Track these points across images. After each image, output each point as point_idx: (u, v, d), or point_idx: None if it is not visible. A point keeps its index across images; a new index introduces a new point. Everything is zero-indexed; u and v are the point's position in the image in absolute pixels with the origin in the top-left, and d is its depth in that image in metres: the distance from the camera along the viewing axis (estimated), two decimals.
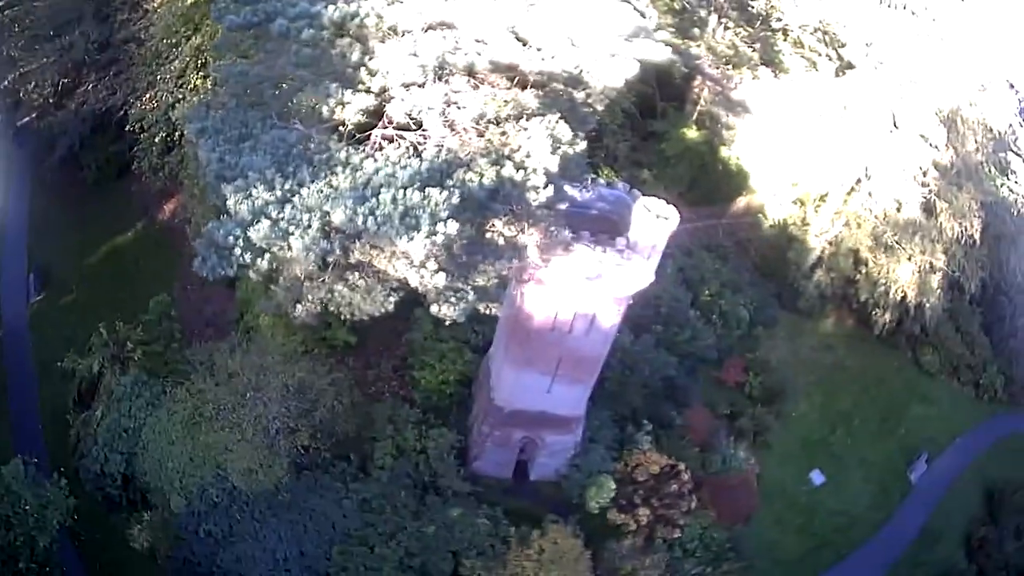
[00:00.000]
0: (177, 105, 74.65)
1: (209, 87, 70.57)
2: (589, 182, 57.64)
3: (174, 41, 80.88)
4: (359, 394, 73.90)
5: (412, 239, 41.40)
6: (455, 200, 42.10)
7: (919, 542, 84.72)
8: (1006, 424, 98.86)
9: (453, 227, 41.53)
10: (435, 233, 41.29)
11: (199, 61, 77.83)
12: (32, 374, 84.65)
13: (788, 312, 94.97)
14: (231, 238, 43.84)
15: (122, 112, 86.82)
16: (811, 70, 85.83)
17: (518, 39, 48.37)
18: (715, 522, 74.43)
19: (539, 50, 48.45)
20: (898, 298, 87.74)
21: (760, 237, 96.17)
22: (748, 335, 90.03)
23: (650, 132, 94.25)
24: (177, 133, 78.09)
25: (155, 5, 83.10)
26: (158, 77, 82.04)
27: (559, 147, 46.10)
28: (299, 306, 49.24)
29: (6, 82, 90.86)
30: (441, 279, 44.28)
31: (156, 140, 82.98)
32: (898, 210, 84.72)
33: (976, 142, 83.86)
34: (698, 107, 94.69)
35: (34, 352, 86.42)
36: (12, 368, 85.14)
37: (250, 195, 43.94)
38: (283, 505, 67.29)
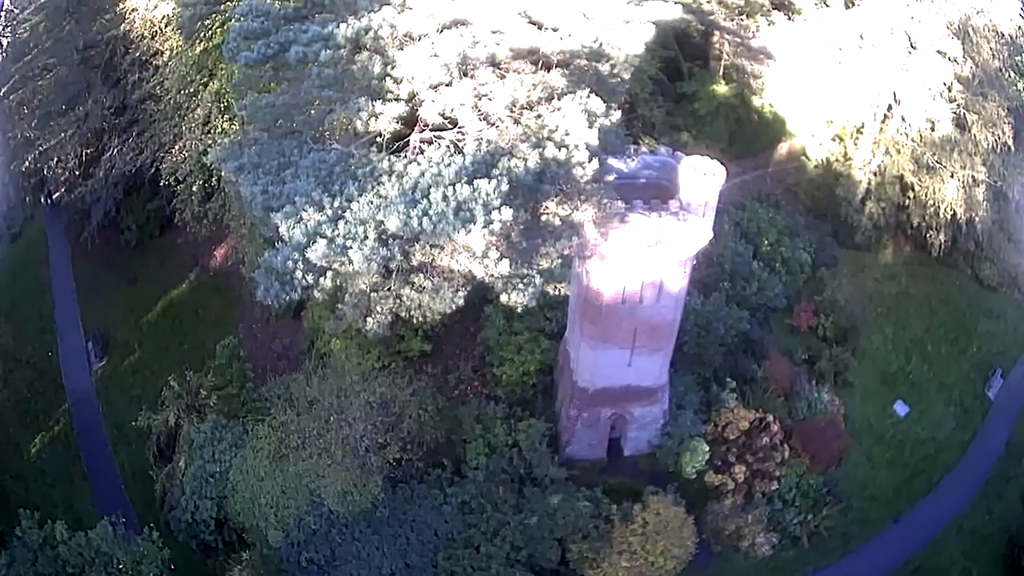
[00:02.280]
0: (208, 151, 74.88)
1: (237, 127, 70.69)
2: (632, 151, 57.81)
3: (192, 90, 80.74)
4: (443, 399, 74.07)
5: (470, 231, 41.41)
6: (504, 187, 42.25)
7: (1006, 457, 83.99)
8: None
9: (508, 213, 41.66)
10: (491, 222, 41.38)
11: (221, 105, 77.82)
12: (105, 438, 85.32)
13: (846, 249, 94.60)
14: (289, 263, 44.02)
15: (153, 169, 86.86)
16: (821, 6, 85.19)
17: (532, 22, 48.42)
18: (809, 468, 74.49)
19: (555, 30, 48.47)
20: (948, 216, 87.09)
21: (807, 179, 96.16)
22: (812, 278, 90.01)
23: (681, 94, 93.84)
24: (214, 178, 78.27)
25: (164, 60, 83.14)
26: (183, 128, 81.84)
27: (595, 120, 46.32)
28: (369, 319, 48.98)
29: (26, 163, 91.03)
30: (505, 266, 44.06)
31: (194, 189, 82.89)
32: (932, 129, 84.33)
33: (991, 49, 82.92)
34: (722, 62, 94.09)
35: (104, 416, 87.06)
36: (84, 435, 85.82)
37: (301, 219, 44.23)
38: (382, 521, 67.39)
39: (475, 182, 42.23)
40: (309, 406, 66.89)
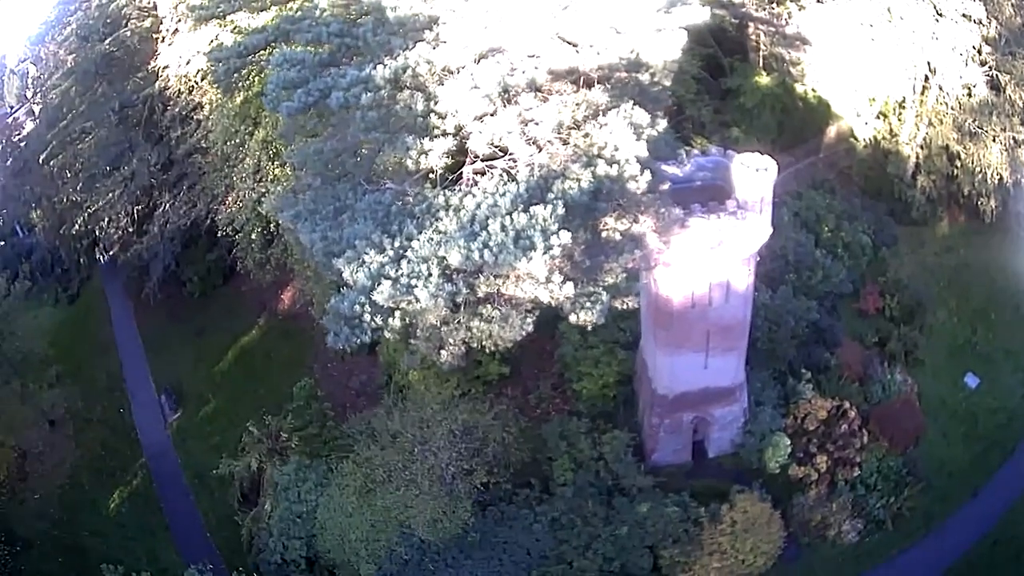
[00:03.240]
0: (263, 199, 75.57)
1: (289, 173, 71.16)
2: (684, 156, 58.28)
3: (238, 141, 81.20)
4: (525, 420, 74.93)
5: (531, 259, 41.73)
6: (560, 211, 42.57)
7: None
8: None
9: (567, 236, 41.97)
10: (551, 247, 41.69)
11: (270, 152, 78.32)
12: (186, 488, 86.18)
13: (904, 226, 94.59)
14: (357, 307, 44.55)
15: (208, 220, 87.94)
16: None
17: (567, 43, 48.64)
18: (888, 451, 74.38)
19: (590, 47, 48.66)
20: (996, 181, 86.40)
21: (858, 161, 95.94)
22: (875, 259, 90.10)
23: (726, 90, 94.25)
24: (272, 225, 78.80)
25: (205, 113, 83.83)
26: (234, 178, 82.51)
27: (642, 132, 46.37)
28: (443, 352, 49.55)
29: (76, 226, 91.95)
30: (570, 288, 44.59)
31: (253, 237, 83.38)
32: (969, 95, 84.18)
33: (1012, 7, 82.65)
34: (760, 53, 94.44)
35: (184, 467, 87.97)
36: (165, 488, 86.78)
37: (363, 262, 44.68)
38: (474, 545, 67.81)
39: (531, 209, 42.63)
40: (392, 439, 67.69)
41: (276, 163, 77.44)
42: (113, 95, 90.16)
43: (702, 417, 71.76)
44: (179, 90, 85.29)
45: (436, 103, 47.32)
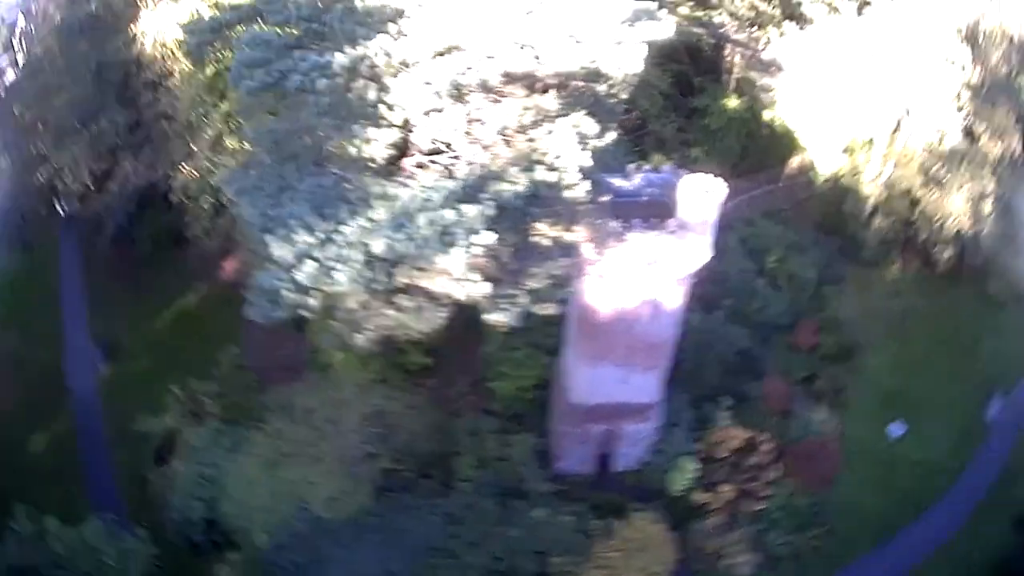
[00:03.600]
0: (217, 171, 75.45)
1: (247, 148, 71.36)
2: (634, 170, 58.25)
3: (203, 111, 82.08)
4: (438, 413, 75.07)
5: (451, 255, 42.34)
6: (490, 211, 42.96)
7: (1002, 481, 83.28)
8: None
9: (490, 237, 42.45)
10: (471, 246, 42.10)
11: (231, 125, 79.01)
12: (105, 441, 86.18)
13: (854, 265, 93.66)
14: (278, 283, 45.21)
15: (166, 185, 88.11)
16: (833, 14, 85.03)
17: (524, 47, 48.40)
18: (799, 489, 74.78)
19: (548, 54, 48.45)
20: (954, 230, 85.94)
21: (816, 195, 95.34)
22: (817, 295, 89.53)
23: (693, 109, 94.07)
24: (223, 196, 78.55)
25: (175, 82, 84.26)
26: (194, 147, 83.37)
27: (588, 142, 46.74)
28: (359, 336, 50.00)
29: (40, 178, 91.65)
30: (485, 288, 44.93)
31: (204, 206, 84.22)
32: (941, 141, 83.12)
33: (1000, 54, 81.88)
34: (733, 75, 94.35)
35: (106, 419, 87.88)
36: (85, 438, 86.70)
37: (293, 241, 45.07)
38: (368, 528, 68.39)
39: (461, 206, 42.84)
40: (305, 416, 68.10)
41: (235, 138, 78.00)
42: (93, 54, 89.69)
43: (612, 431, 71.76)
44: (154, 56, 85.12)
45: (388, 95, 47.56)
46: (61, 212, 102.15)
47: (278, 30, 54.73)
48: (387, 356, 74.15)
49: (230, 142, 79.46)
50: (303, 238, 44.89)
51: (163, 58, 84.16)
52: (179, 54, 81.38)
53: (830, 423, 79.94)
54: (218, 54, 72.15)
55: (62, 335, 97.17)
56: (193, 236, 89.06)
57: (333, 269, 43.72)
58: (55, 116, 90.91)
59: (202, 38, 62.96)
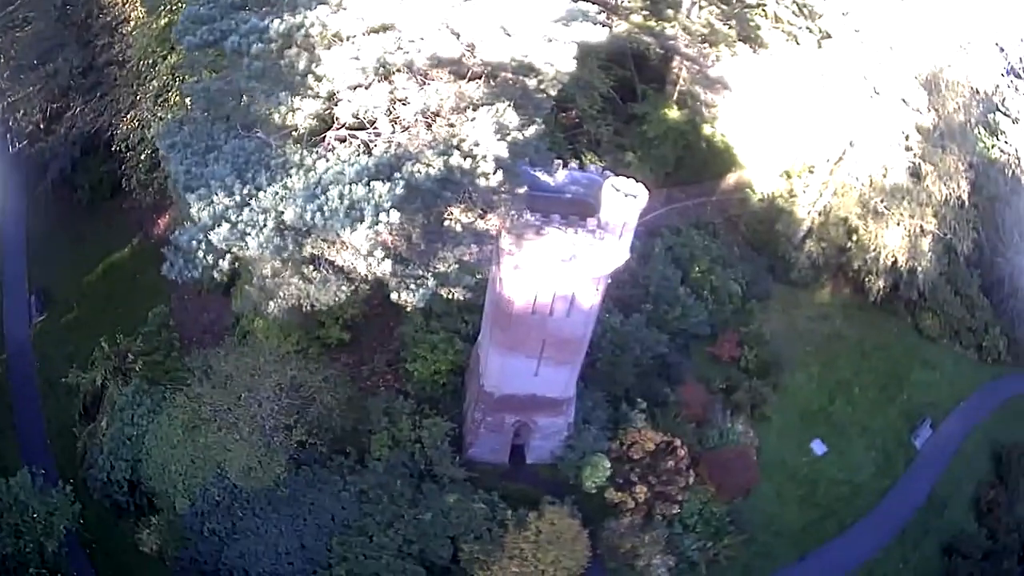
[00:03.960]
0: (156, 123, 75.91)
1: (187, 104, 71.90)
2: (559, 166, 58.46)
3: (151, 62, 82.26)
4: (354, 389, 75.55)
5: (355, 230, 42.64)
6: (399, 191, 43.18)
7: (927, 508, 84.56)
8: (1011, 386, 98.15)
9: (395, 216, 42.57)
10: (378, 223, 42.44)
11: (177, 79, 78.59)
12: (37, 392, 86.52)
13: (782, 285, 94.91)
14: (194, 242, 45.44)
15: (109, 133, 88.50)
16: (791, 42, 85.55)
17: (453, 33, 49.27)
18: (714, 497, 75.33)
19: (475, 43, 49.33)
20: (889, 263, 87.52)
21: (750, 212, 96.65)
22: (741, 309, 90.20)
23: (632, 115, 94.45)
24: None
25: (130, 28, 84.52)
26: (138, 97, 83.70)
27: (507, 133, 47.10)
28: (272, 303, 50.84)
29: None
30: (388, 266, 45.55)
31: (142, 158, 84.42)
32: (884, 176, 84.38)
33: (957, 103, 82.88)
34: (677, 87, 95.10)
35: (39, 371, 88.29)
36: (18, 387, 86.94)
37: (211, 202, 45.57)
38: (283, 500, 68.85)
39: (372, 183, 43.33)
40: (225, 381, 68.40)
41: (179, 92, 77.58)
42: None
43: (525, 422, 72.55)
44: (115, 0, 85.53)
45: (317, 66, 47.90)
46: (11, 149, 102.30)
47: None
48: (307, 328, 75.11)
49: (172, 96, 79.80)
50: (222, 199, 45.40)
51: (122, 2, 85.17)
52: (137, 0, 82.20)
53: (748, 435, 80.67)
54: (172, 5, 72.99)
55: (2, 280, 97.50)
56: (131, 188, 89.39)
57: (245, 233, 44.19)
58: (17, 50, 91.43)
59: None
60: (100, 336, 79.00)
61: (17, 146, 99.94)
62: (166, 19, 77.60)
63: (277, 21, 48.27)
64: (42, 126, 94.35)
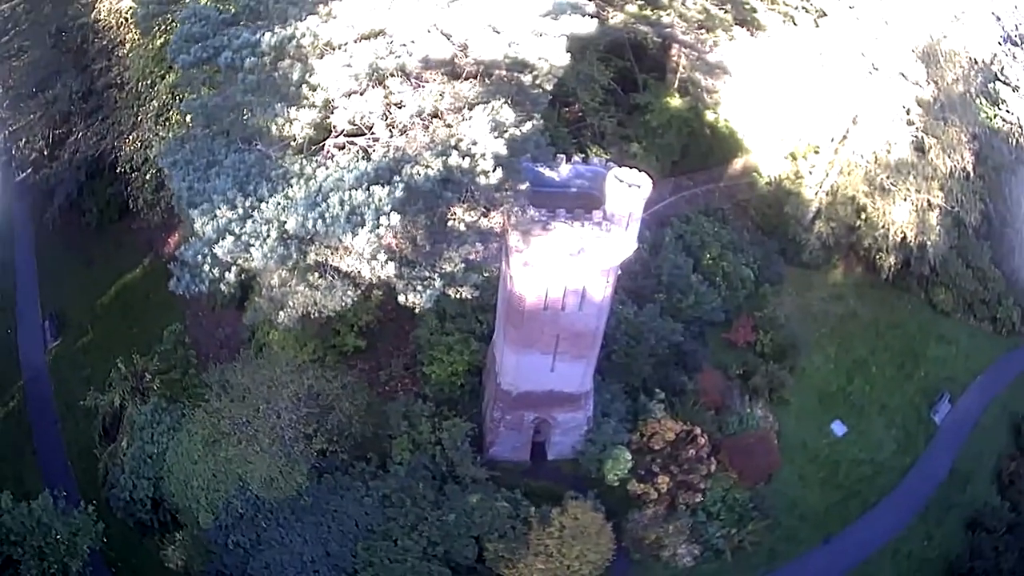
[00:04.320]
0: (159, 142, 76.28)
1: (188, 122, 72.18)
2: (563, 160, 58.54)
3: (150, 82, 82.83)
4: (372, 395, 75.68)
5: (357, 235, 43.14)
6: (399, 194, 43.67)
7: (948, 483, 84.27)
8: None
9: (396, 219, 43.12)
10: (379, 227, 42.89)
11: (176, 98, 79.08)
12: (56, 416, 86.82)
13: (794, 267, 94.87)
14: (199, 257, 45.97)
15: (113, 155, 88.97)
16: (788, 23, 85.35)
17: (444, 35, 49.49)
18: (737, 483, 75.07)
19: (466, 43, 49.56)
20: (899, 240, 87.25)
21: (758, 196, 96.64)
22: (754, 294, 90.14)
23: (634, 105, 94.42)
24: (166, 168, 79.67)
25: (127, 51, 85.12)
26: (140, 118, 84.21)
27: (505, 130, 47.39)
28: (281, 313, 51.14)
29: None
30: (391, 269, 45.99)
31: (147, 178, 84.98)
32: (888, 152, 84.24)
33: (956, 74, 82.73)
34: (678, 75, 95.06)
35: (56, 395, 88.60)
36: (36, 412, 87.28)
37: (215, 216, 46.19)
38: (306, 509, 68.91)
39: (372, 188, 43.78)
40: (243, 395, 68.58)
41: (177, 110, 77.94)
42: (55, 18, 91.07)
43: (544, 419, 72.60)
44: (109, 23, 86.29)
45: (311, 75, 48.50)
46: (15, 179, 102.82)
47: (219, 6, 55.88)
48: (322, 337, 75.43)
49: (173, 115, 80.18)
50: (225, 213, 46.00)
51: (117, 26, 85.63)
52: (131, 23, 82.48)
53: (767, 419, 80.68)
54: (167, 25, 73.33)
55: (15, 308, 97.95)
56: (138, 208, 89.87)
57: (249, 245, 44.68)
58: (15, 79, 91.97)
59: (151, 9, 64.65)
60: (116, 357, 79.43)
61: (22, 174, 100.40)
62: (161, 39, 77.71)
63: (268, 34, 49.14)
64: (46, 152, 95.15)
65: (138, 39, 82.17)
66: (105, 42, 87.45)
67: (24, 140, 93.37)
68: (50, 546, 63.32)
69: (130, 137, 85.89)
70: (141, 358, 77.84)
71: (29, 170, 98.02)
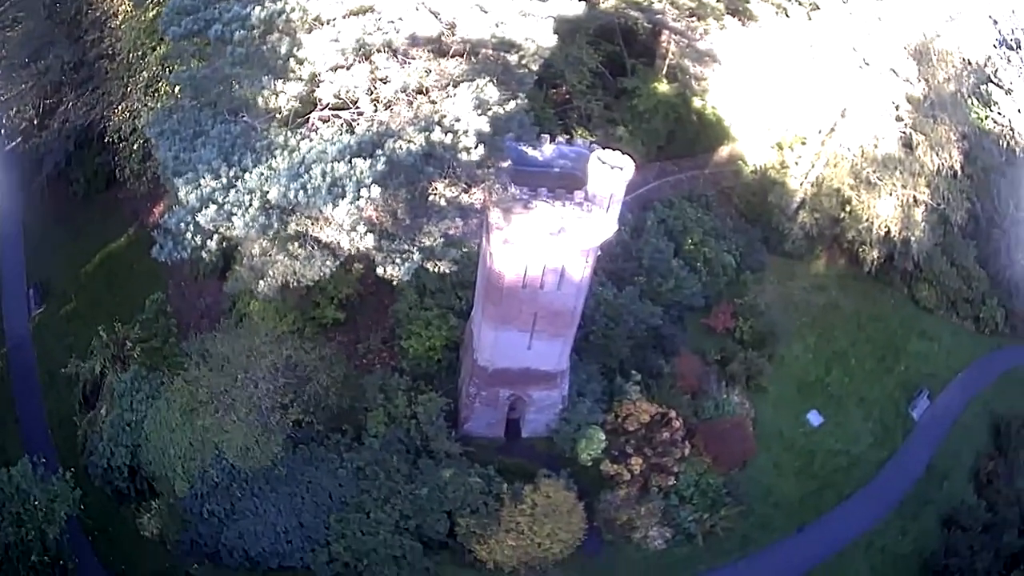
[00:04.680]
0: (147, 113, 76.46)
1: (176, 93, 72.42)
2: (547, 140, 58.91)
3: (141, 53, 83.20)
4: (350, 367, 75.96)
5: (337, 206, 43.40)
6: (380, 167, 43.92)
7: (925, 479, 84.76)
8: (1009, 357, 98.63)
9: (376, 192, 43.39)
10: (359, 199, 43.14)
11: (167, 69, 79.39)
12: (38, 383, 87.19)
13: (776, 256, 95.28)
14: (182, 224, 46.33)
15: (102, 125, 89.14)
16: (780, 15, 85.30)
17: (432, 13, 49.83)
18: (711, 468, 75.48)
19: (453, 21, 49.87)
20: (882, 234, 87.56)
21: (742, 184, 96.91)
22: (735, 281, 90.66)
23: (622, 90, 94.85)
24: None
25: (119, 22, 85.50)
26: (129, 89, 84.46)
27: (488, 108, 47.71)
28: (261, 282, 51.41)
29: None
30: (370, 241, 46.13)
31: (135, 148, 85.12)
32: (876, 146, 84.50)
33: (948, 74, 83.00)
34: (667, 61, 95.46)
35: (39, 362, 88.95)
36: (19, 380, 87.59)
37: (199, 185, 46.34)
38: (280, 480, 69.32)
39: (353, 160, 44.06)
40: (221, 364, 68.72)
41: (167, 82, 78.72)
42: None
43: (520, 396, 73.03)
44: None
45: (299, 49, 48.75)
46: (4, 148, 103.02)
47: None
48: (302, 309, 75.98)
49: (163, 86, 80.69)
50: (209, 182, 46.14)
51: None
52: None
53: (743, 406, 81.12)
54: None
55: (1, 277, 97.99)
56: (125, 178, 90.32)
57: (231, 213, 44.92)
58: (8, 50, 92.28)
59: None
60: (99, 326, 79.14)
61: (11, 143, 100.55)
62: (154, 11, 78.68)
63: (259, 8, 49.35)
64: (35, 123, 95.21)
65: (131, 11, 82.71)
66: (98, 13, 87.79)
67: (15, 110, 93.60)
68: (28, 512, 63.59)
69: (119, 108, 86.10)
70: (123, 326, 77.83)
71: (19, 139, 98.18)
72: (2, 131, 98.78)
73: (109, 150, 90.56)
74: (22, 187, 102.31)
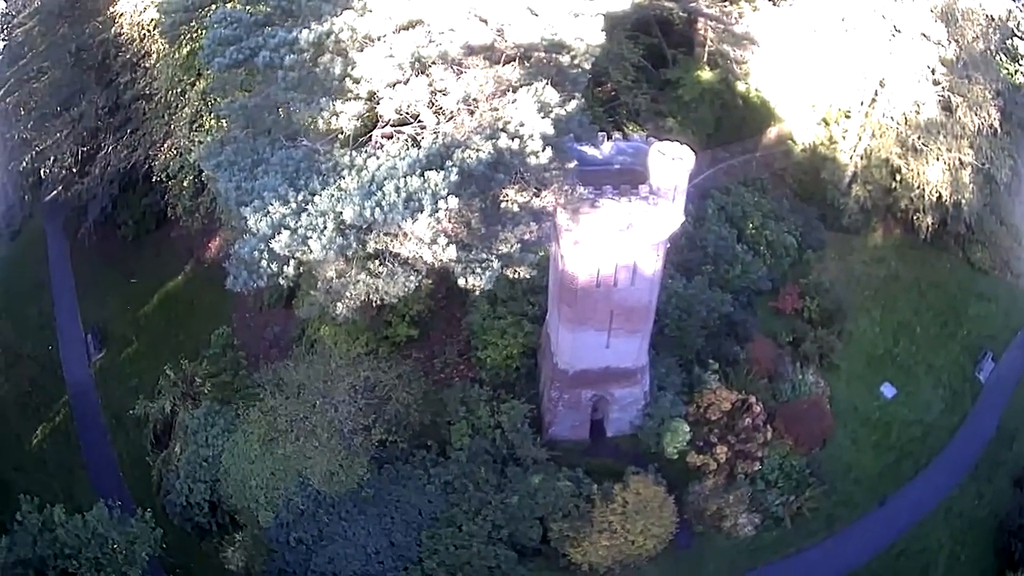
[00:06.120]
0: (195, 148, 76.39)
1: (223, 126, 72.30)
2: (604, 138, 59.06)
3: (180, 90, 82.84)
4: (428, 383, 75.83)
5: (417, 220, 43.14)
6: (453, 178, 43.70)
7: (996, 441, 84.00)
8: None
9: (454, 202, 43.16)
10: (437, 211, 42.90)
11: (208, 103, 79.25)
12: (105, 428, 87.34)
13: (834, 232, 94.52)
14: (256, 253, 45.97)
15: (146, 166, 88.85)
16: None
17: (482, 20, 49.62)
18: (793, 450, 75.10)
19: (504, 27, 49.68)
20: (934, 199, 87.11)
21: (794, 163, 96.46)
22: (799, 261, 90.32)
23: (665, 81, 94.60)
24: (203, 173, 79.44)
25: (153, 62, 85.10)
26: (173, 126, 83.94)
27: (550, 111, 47.51)
28: (339, 304, 51.25)
29: (24, 163, 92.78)
30: (452, 252, 45.77)
31: (184, 184, 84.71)
32: (917, 112, 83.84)
33: (976, 32, 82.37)
34: (706, 48, 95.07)
35: (103, 406, 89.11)
36: (84, 426, 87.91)
37: (267, 212, 46.06)
38: (368, 501, 69.12)
39: (426, 173, 43.79)
40: (297, 391, 68.72)
41: (212, 115, 78.14)
42: (72, 37, 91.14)
43: (602, 396, 72.63)
44: (132, 37, 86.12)
45: (353, 68, 48.40)
46: (45, 198, 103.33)
47: (248, 8, 55.94)
48: (374, 330, 75.69)
49: (207, 120, 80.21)
50: (277, 209, 45.85)
51: (140, 38, 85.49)
52: (155, 34, 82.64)
53: (818, 385, 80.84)
54: (193, 33, 73.66)
55: (55, 325, 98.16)
56: (176, 215, 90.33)
57: (307, 237, 44.59)
58: (37, 100, 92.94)
59: (176, 17, 64.83)
60: (162, 366, 79.59)
61: (52, 192, 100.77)
62: (188, 47, 78.51)
63: (306, 31, 48.93)
64: (75, 170, 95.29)
65: (164, 49, 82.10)
66: (129, 55, 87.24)
67: (52, 159, 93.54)
68: (107, 556, 63.23)
69: (164, 146, 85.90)
70: (190, 363, 78.06)
71: (60, 188, 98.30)
72: (42, 183, 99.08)
73: (157, 190, 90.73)
74: (68, 235, 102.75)
